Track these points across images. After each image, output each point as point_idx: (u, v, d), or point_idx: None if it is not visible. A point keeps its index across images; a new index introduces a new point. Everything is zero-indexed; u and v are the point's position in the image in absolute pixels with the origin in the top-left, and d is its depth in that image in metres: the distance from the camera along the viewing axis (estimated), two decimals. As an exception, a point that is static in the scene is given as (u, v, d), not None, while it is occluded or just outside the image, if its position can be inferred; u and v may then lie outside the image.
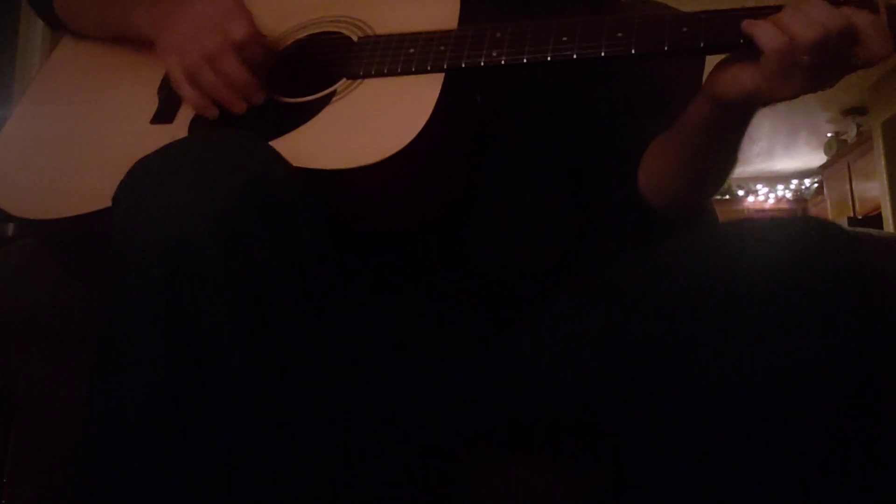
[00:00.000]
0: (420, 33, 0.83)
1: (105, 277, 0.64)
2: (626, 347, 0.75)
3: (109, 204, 0.67)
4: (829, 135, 6.26)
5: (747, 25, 0.71)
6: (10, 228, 1.41)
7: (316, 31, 0.91)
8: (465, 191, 0.86)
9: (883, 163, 5.20)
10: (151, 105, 0.89)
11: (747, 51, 0.72)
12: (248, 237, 0.62)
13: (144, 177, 0.65)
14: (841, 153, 6.11)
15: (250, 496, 0.61)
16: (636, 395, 0.73)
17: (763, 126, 5.92)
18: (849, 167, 5.99)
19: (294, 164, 0.71)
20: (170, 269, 0.60)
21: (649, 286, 0.74)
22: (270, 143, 0.74)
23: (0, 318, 1.01)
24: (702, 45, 0.73)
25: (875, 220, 5.37)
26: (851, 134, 5.99)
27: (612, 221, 0.95)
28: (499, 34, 0.80)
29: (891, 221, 5.05)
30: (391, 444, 0.88)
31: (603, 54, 0.76)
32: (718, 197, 7.11)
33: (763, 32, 0.70)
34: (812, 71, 0.70)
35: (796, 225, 0.66)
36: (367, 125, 0.79)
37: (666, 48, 0.74)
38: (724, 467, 0.64)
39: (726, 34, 0.73)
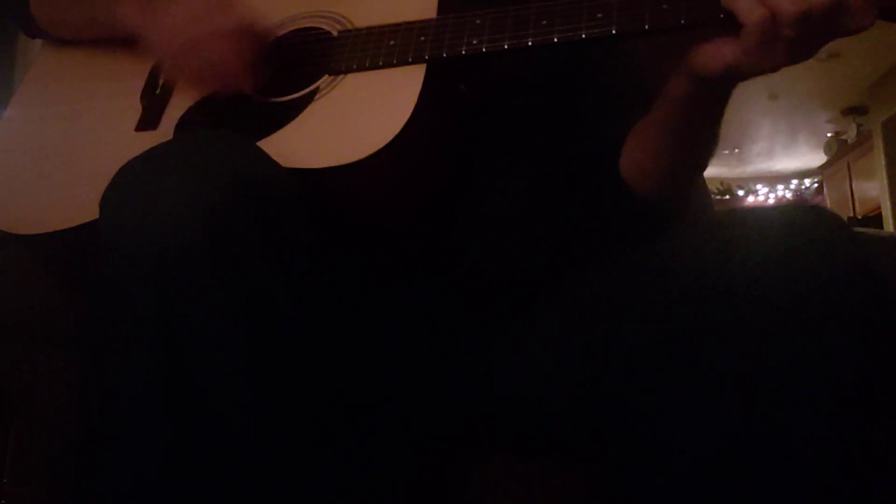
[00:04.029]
0: (400, 24, 0.82)
1: (95, 281, 0.64)
2: (624, 346, 0.75)
3: (97, 216, 0.67)
4: (829, 135, 6.27)
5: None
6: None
7: (296, 27, 0.90)
8: (453, 182, 0.85)
9: (883, 163, 5.21)
10: (135, 112, 0.88)
11: (728, 25, 0.71)
12: (236, 236, 0.62)
13: (131, 180, 0.65)
14: (841, 153, 6.11)
15: (243, 495, 0.61)
16: (635, 394, 0.72)
17: (763, 126, 5.93)
18: (849, 167, 5.99)
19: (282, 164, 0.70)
20: (159, 270, 0.60)
21: (647, 283, 0.74)
22: (257, 143, 0.73)
23: (0, 320, 1.01)
24: (683, 21, 0.72)
25: (875, 220, 5.37)
26: (851, 134, 5.99)
27: (599, 210, 0.95)
28: (479, 21, 0.79)
29: (891, 221, 5.06)
30: (388, 443, 0.87)
31: (584, 36, 0.75)
32: (718, 197, 7.15)
33: (743, 6, 0.68)
34: (793, 43, 0.69)
35: (792, 215, 0.66)
36: (352, 121, 0.79)
37: (647, 27, 0.73)
38: (723, 466, 0.64)
39: (707, 9, 0.72)
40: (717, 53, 0.72)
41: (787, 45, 0.69)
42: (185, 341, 0.60)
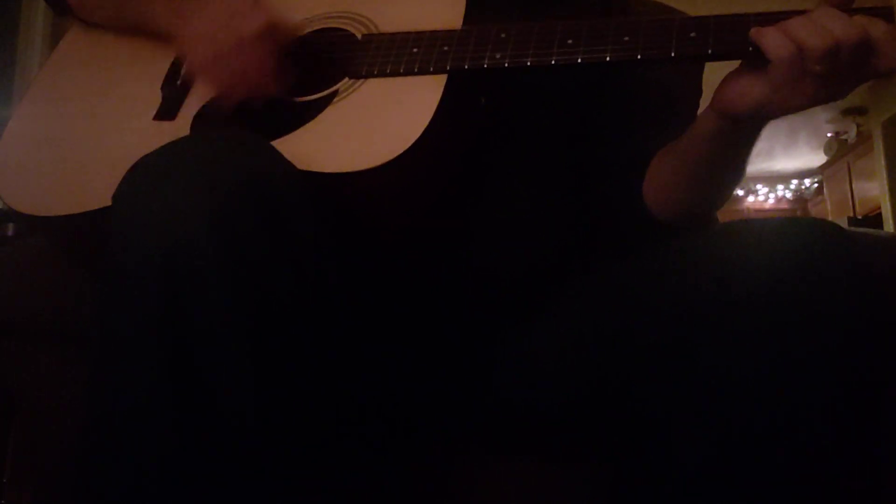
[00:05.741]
0: (424, 32, 0.82)
1: (104, 276, 0.64)
2: (628, 348, 0.75)
3: (110, 202, 0.67)
4: (829, 135, 6.27)
5: (755, 33, 0.70)
6: (11, 228, 1.41)
7: (320, 27, 0.90)
8: (468, 192, 0.85)
9: (883, 163, 5.21)
10: (155, 101, 0.88)
11: (756, 59, 0.70)
12: (246, 236, 0.62)
13: (144, 176, 0.65)
14: (841, 153, 6.12)
15: (248, 494, 0.61)
16: (638, 397, 0.73)
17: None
18: (849, 167, 6.00)
19: (295, 166, 0.70)
20: (168, 268, 0.60)
21: (651, 287, 0.74)
22: (272, 143, 0.73)
23: (0, 318, 1.01)
24: (710, 51, 0.72)
25: (875, 220, 5.38)
26: (851, 134, 5.99)
27: (616, 229, 0.95)
28: (503, 35, 0.79)
29: (891, 221, 5.06)
30: (391, 443, 0.88)
31: (608, 58, 0.75)
32: (718, 197, 7.14)
33: (770, 40, 0.68)
34: (823, 81, 0.68)
35: (794, 226, 0.66)
36: (369, 127, 0.79)
37: (673, 54, 0.73)
38: (725, 469, 0.64)
39: (735, 41, 0.71)
40: (745, 91, 0.72)
41: (816, 83, 0.68)
42: (191, 338, 0.60)
